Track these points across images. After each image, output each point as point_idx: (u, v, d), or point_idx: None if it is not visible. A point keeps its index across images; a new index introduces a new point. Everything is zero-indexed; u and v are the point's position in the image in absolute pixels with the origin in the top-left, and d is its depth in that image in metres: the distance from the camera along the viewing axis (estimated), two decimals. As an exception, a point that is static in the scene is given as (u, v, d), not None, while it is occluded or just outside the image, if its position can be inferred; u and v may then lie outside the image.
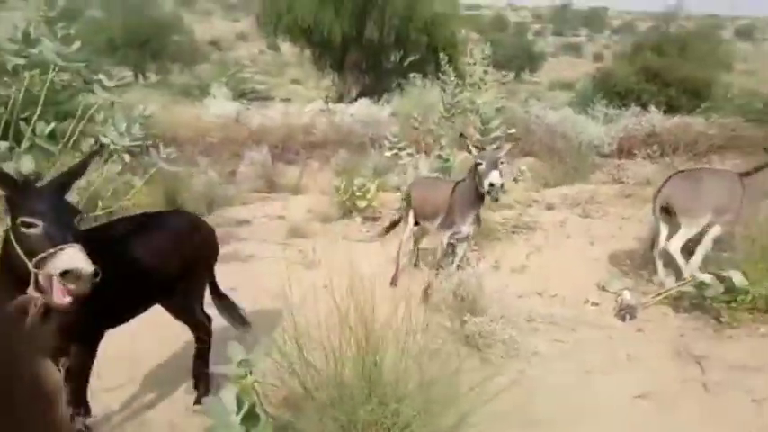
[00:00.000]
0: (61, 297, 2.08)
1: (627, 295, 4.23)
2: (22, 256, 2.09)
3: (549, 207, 7.45)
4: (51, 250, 2.04)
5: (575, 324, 4.07)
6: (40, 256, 2.05)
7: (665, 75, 19.84)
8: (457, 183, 4.51)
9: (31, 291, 2.12)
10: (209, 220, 7.12)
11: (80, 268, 2.02)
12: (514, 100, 14.77)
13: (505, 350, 3.54)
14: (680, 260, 4.50)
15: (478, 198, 4.24)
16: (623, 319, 4.12)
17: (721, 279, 3.86)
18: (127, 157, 4.13)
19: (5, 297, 2.12)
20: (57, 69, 3.50)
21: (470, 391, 2.70)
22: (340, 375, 2.62)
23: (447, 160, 7.13)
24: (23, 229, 2.08)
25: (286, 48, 24.64)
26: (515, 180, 8.41)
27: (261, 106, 13.36)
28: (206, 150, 10.13)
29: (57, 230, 2.08)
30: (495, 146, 4.25)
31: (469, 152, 4.18)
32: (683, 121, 11.76)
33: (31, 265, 2.07)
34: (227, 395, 2.19)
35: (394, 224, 5.59)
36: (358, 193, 7.11)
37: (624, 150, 10.51)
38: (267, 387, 2.68)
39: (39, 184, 2.33)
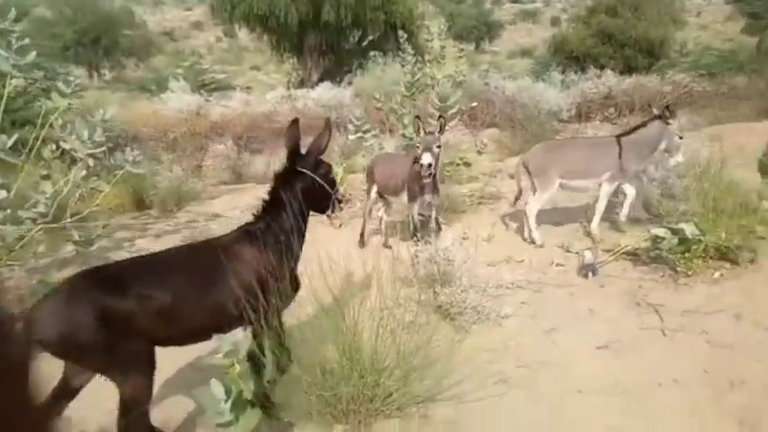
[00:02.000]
0: None
1: (587, 254, 4.45)
2: None
3: (512, 175, 7.63)
4: None
5: (540, 286, 4.27)
6: None
7: (619, 36, 20.22)
8: (415, 157, 4.83)
9: None
10: (180, 216, 7.17)
11: None
12: (475, 72, 14.88)
13: (476, 316, 3.71)
14: (532, 220, 5.09)
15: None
16: (585, 276, 4.34)
17: (675, 231, 4.08)
18: (91, 162, 4.16)
19: None
20: (12, 78, 3.50)
21: (444, 357, 2.88)
22: (322, 356, 2.76)
23: (411, 138, 7.26)
24: None
25: (243, 34, 24.30)
26: (479, 152, 8.61)
27: (221, 97, 13.25)
28: (169, 146, 10.06)
29: None
30: (431, 130, 4.59)
31: (417, 134, 4.64)
32: (637, 81, 12.05)
33: None
34: (215, 385, 2.31)
35: None
36: (326, 178, 7.20)
37: (583, 114, 10.76)
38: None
39: None
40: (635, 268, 4.41)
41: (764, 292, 3.75)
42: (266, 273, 2.49)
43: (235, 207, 7.49)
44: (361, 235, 5.55)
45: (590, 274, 4.34)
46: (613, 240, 4.89)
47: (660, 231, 4.14)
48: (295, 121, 2.82)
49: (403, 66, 8.29)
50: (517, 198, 5.41)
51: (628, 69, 17.24)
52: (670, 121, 4.86)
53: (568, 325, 3.61)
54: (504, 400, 2.82)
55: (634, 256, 4.56)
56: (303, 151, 2.79)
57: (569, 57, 20.37)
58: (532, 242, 5.17)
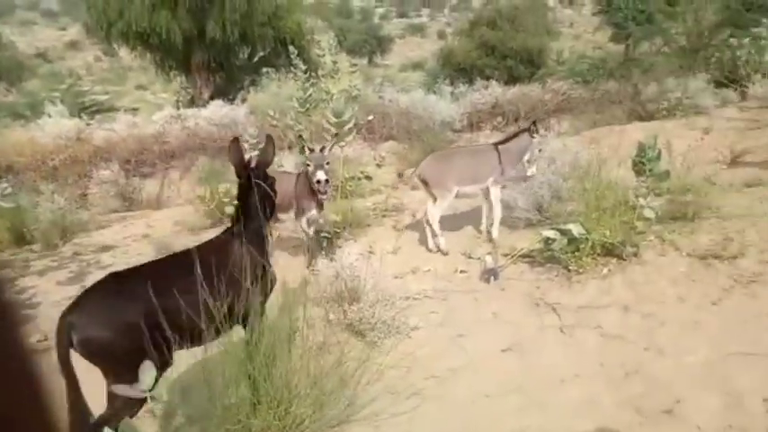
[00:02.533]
0: None
1: (488, 259, 4.61)
2: None
3: (414, 187, 7.78)
4: None
5: (446, 294, 4.37)
6: None
7: (501, 47, 21.37)
8: (298, 174, 5.05)
9: None
10: (66, 249, 6.65)
11: None
12: (370, 85, 15.09)
13: (386, 330, 3.73)
14: (436, 227, 5.29)
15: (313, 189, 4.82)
16: (488, 281, 4.50)
17: (563, 232, 4.33)
18: (-46, 199, 3.75)
19: None
20: None
21: (356, 376, 2.85)
22: (230, 389, 2.64)
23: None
24: None
25: (125, 52, 23.17)
26: (378, 165, 8.70)
27: (104, 119, 12.50)
28: (49, 175, 9.33)
29: None
30: (321, 147, 4.79)
31: (302, 152, 4.83)
32: (520, 90, 12.75)
33: None
34: (109, 432, 2.14)
35: None
36: (225, 199, 6.94)
37: (473, 124, 11.21)
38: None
39: None
40: (532, 270, 4.62)
41: (648, 283, 4.05)
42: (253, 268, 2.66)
43: (127, 236, 7.08)
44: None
45: (492, 278, 4.49)
46: (510, 244, 5.10)
47: (550, 233, 4.37)
48: (235, 139, 3.10)
49: (296, 81, 8.24)
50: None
51: (512, 79, 18.25)
52: (535, 135, 5.38)
53: (474, 330, 3.72)
54: (418, 413, 2.84)
55: (530, 258, 4.79)
56: (253, 165, 3.05)
57: (457, 69, 21.24)
58: (438, 250, 5.29)
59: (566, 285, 4.27)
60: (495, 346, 3.47)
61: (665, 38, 17.77)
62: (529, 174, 5.46)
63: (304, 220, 5.01)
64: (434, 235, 5.32)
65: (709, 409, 2.72)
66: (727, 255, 4.19)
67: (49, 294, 5.22)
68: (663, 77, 11.77)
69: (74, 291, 5.24)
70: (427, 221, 5.34)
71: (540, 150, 5.45)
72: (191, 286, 2.43)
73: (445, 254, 5.23)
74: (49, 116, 12.31)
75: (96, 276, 5.46)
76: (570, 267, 4.40)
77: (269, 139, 3.07)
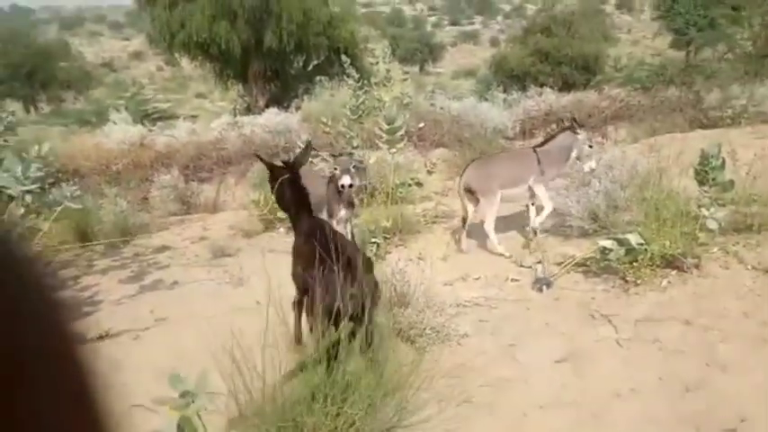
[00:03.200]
0: None
1: (539, 268, 4.53)
2: None
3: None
4: None
5: (497, 302, 4.31)
6: None
7: (555, 54, 21.00)
8: (329, 179, 5.20)
9: None
10: (127, 250, 6.92)
11: None
12: (421, 93, 15.09)
13: (436, 337, 3.70)
14: (493, 237, 5.34)
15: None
16: (540, 290, 4.41)
17: (621, 242, 4.21)
18: (29, 199, 3.97)
19: None
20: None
21: (407, 381, 2.85)
22: (282, 387, 2.69)
23: (360, 161, 7.27)
24: None
25: (186, 62, 24.03)
26: (429, 172, 8.69)
27: (166, 126, 12.96)
28: (113, 179, 9.74)
29: None
30: (348, 153, 5.18)
31: (326, 160, 5.19)
32: (575, 97, 12.48)
33: None
34: (169, 427, 2.20)
35: None
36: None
37: (526, 131, 11.04)
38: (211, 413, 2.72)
39: None
40: (586, 280, 4.51)
41: (710, 296, 3.89)
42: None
43: (185, 238, 7.30)
44: None
45: (544, 287, 4.41)
46: (563, 252, 4.99)
47: (607, 243, 4.26)
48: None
49: (349, 89, 8.35)
50: (465, 219, 5.55)
51: (566, 86, 17.89)
52: (578, 131, 5.33)
53: (527, 340, 3.65)
54: (469, 421, 2.81)
55: (585, 267, 4.67)
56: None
57: (510, 76, 20.99)
58: (501, 255, 5.27)
59: (623, 297, 4.14)
60: (549, 357, 3.40)
61: (729, 43, 17.03)
62: (586, 169, 5.40)
63: (334, 221, 5.15)
64: (494, 243, 5.35)
65: (776, 429, 2.58)
66: (795, 269, 3.98)
67: (110, 293, 5.44)
68: (727, 84, 11.31)
69: (133, 289, 5.45)
70: (486, 231, 5.38)
71: (590, 146, 5.41)
72: None
73: (509, 257, 5.21)
74: (114, 123, 12.85)
75: (155, 276, 5.71)
76: (627, 278, 4.27)
77: (308, 143, 3.80)
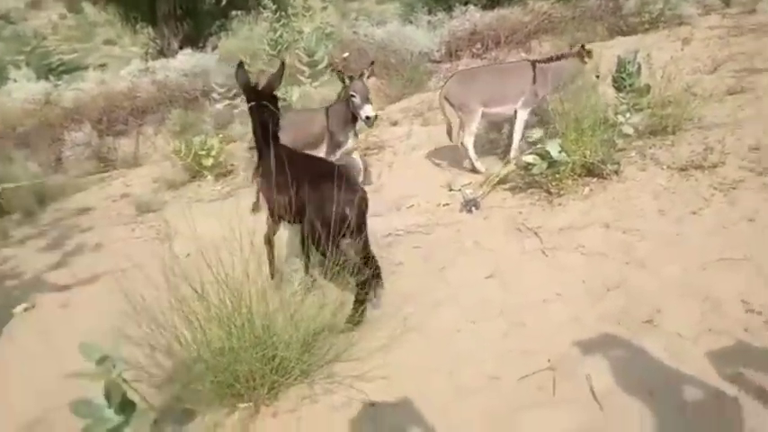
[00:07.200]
0: None
1: (467, 190, 4.56)
2: None
3: (394, 123, 7.64)
4: None
5: (429, 228, 4.34)
6: None
7: (478, -30, 20.53)
8: (327, 108, 4.94)
9: None
10: (44, 217, 6.55)
11: None
12: (345, 21, 14.56)
13: (369, 268, 3.70)
14: (472, 153, 5.15)
15: (353, 119, 4.75)
16: (470, 212, 4.46)
17: (542, 155, 4.26)
18: None
19: None
20: None
21: (340, 312, 2.87)
22: (211, 337, 2.64)
23: (284, 99, 7.03)
24: None
25: (89, 7, 22.16)
26: (356, 103, 8.49)
27: (72, 79, 12.10)
28: (20, 141, 9.10)
29: None
30: (360, 73, 4.66)
31: (342, 81, 4.69)
32: (499, 13, 12.34)
33: None
34: (94, 394, 2.12)
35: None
36: (201, 152, 6.78)
37: (452, 53, 10.88)
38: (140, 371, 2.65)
39: None
40: (514, 196, 4.59)
41: (628, 199, 4.03)
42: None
43: (106, 197, 6.97)
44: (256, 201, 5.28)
45: (473, 208, 4.46)
46: (495, 172, 5.04)
47: (529, 158, 4.31)
48: (241, 63, 3.58)
49: (267, 23, 7.95)
50: (449, 131, 5.28)
51: (491, 3, 17.61)
52: (587, 60, 5.09)
53: (458, 261, 3.71)
54: (403, 344, 2.86)
55: (513, 184, 4.74)
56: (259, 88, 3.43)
57: (434, -4, 20.46)
58: (475, 172, 5.14)
59: (547, 209, 4.25)
60: (479, 275, 3.47)
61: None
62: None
63: (339, 152, 4.90)
64: (472, 160, 5.16)
65: (688, 315, 2.75)
66: (707, 164, 4.16)
67: (32, 262, 5.17)
68: (644, -10, 11.39)
69: (56, 257, 5.19)
70: (463, 146, 5.16)
71: (597, 76, 5.19)
72: None
73: (482, 173, 5.08)
74: (15, 81, 11.90)
75: (77, 240, 5.45)
76: (551, 190, 4.37)
77: (281, 65, 3.60)
